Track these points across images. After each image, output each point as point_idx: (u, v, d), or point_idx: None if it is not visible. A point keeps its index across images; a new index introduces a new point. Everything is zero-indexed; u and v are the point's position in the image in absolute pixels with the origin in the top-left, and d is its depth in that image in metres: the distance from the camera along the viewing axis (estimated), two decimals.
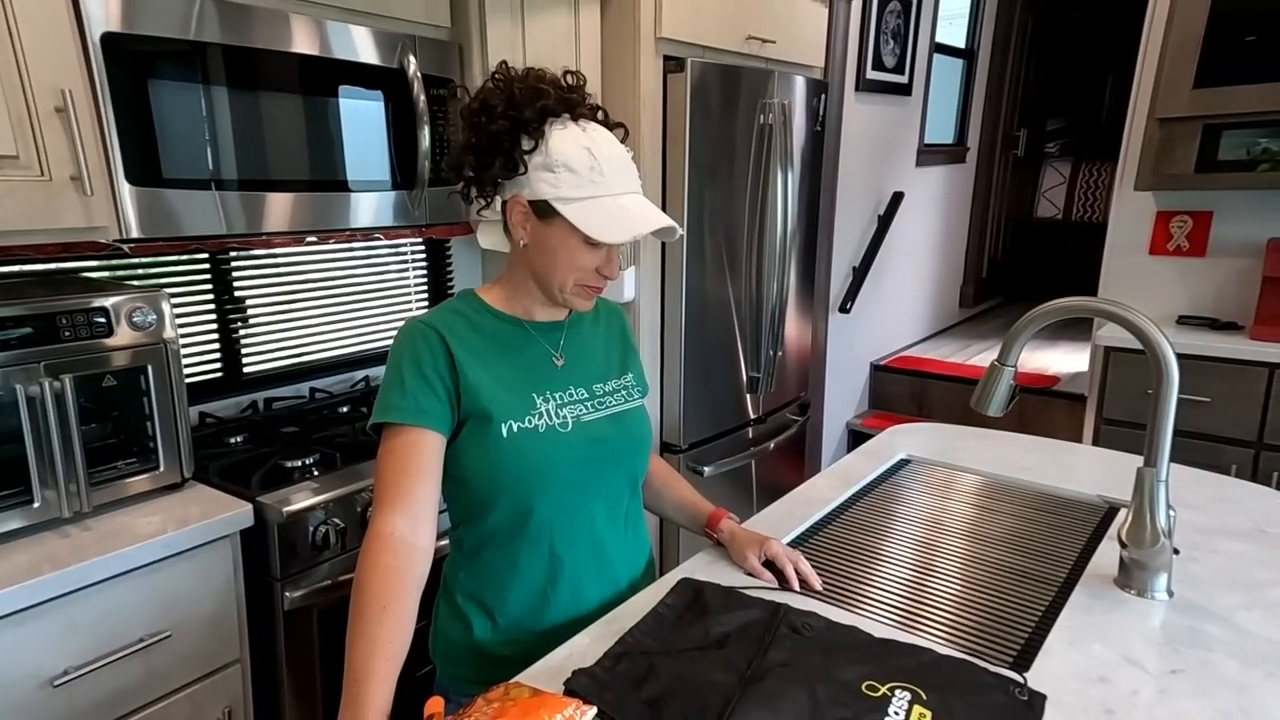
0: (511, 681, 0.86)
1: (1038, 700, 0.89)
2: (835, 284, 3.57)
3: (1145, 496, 1.08)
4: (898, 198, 3.82)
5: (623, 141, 1.06)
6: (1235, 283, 2.79)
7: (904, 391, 4.02)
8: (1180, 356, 1.11)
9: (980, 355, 4.21)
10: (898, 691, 0.89)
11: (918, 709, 0.87)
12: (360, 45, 1.67)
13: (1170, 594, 1.11)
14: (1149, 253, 2.94)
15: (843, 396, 3.85)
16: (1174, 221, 2.89)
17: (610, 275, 1.05)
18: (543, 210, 1.01)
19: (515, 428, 1.03)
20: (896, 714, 0.86)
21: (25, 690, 1.18)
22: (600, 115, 1.06)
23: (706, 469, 2.42)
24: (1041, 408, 3.44)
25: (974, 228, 5.05)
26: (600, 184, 0.99)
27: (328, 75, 1.63)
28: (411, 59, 1.75)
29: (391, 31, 1.73)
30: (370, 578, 0.90)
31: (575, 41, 2.06)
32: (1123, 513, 1.35)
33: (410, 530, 0.94)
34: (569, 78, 1.04)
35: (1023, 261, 5.70)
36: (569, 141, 0.99)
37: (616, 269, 1.06)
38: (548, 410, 1.05)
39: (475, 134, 1.02)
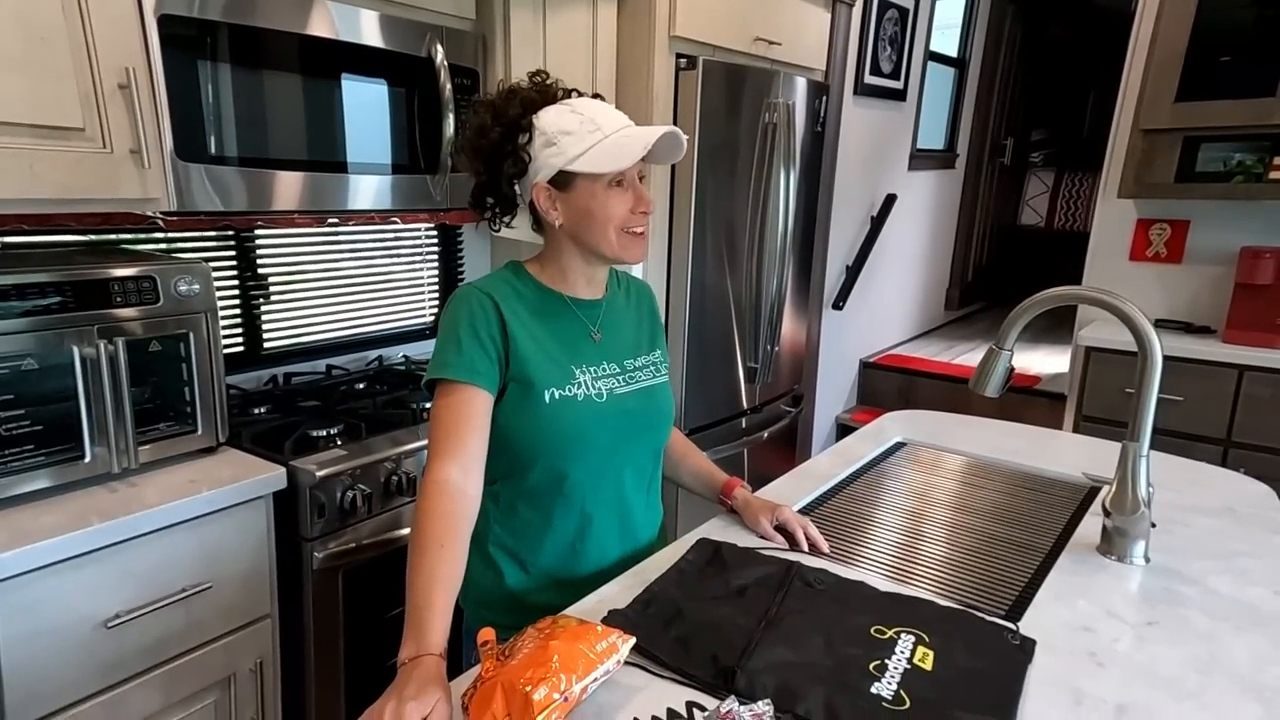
0: (558, 614, 0.94)
1: (1029, 644, 0.99)
2: (829, 281, 3.67)
3: (1128, 468, 1.19)
4: (891, 199, 3.93)
5: None
6: (1209, 289, 2.92)
7: (891, 388, 4.13)
8: None
9: (964, 356, 4.34)
10: (903, 635, 0.99)
11: (921, 649, 0.96)
12: (392, 34, 1.74)
13: (1147, 560, 1.21)
14: (1129, 259, 3.07)
15: (833, 391, 3.96)
16: (1153, 229, 3.02)
17: (647, 209, 1.12)
18: (561, 181, 1.10)
19: (557, 395, 1.10)
20: (903, 652, 0.95)
21: (82, 631, 1.25)
22: (575, 94, 1.14)
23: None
24: (1023, 405, 3.56)
25: (961, 232, 5.18)
26: (597, 131, 1.08)
27: (360, 62, 1.70)
28: (439, 48, 1.82)
29: (420, 21, 1.80)
30: (428, 520, 0.97)
31: (593, 36, 2.14)
32: (1105, 489, 1.45)
33: (463, 478, 1.01)
34: (537, 78, 1.14)
35: (1006, 267, 5.85)
36: (556, 114, 1.09)
37: (649, 200, 1.13)
38: (585, 381, 1.13)
39: (479, 156, 1.12)
